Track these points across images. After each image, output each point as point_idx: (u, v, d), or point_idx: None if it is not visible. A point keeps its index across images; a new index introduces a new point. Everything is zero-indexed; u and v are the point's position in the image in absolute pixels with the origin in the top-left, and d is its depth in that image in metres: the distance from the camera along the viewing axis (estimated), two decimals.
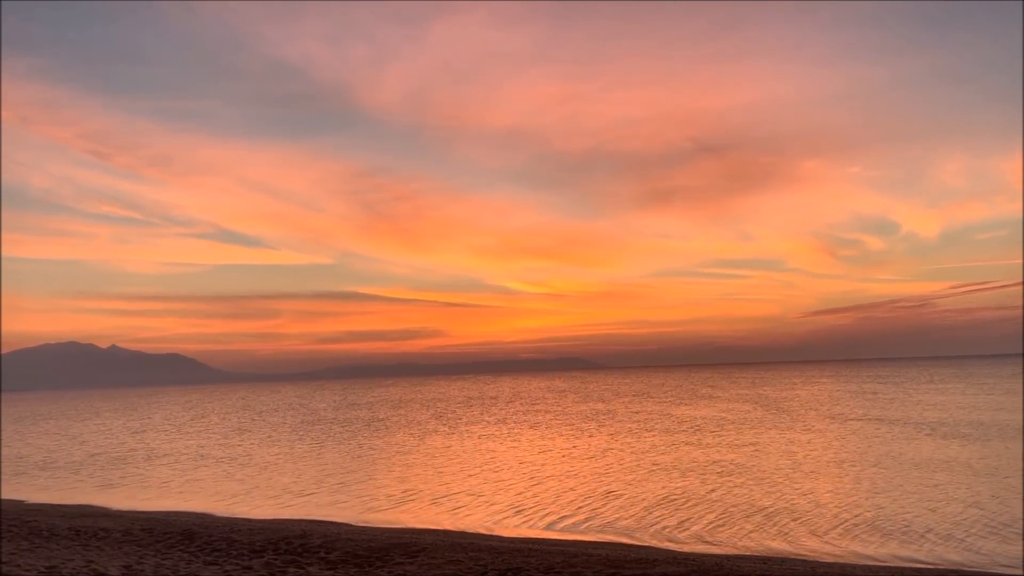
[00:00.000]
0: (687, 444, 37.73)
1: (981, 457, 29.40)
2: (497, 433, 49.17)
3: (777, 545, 17.28)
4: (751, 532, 18.56)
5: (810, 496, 22.66)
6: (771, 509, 21.01)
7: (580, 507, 22.62)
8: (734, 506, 21.65)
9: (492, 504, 23.78)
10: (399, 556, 15.03)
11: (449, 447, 41.29)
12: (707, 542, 17.80)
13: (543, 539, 18.49)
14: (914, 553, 16.31)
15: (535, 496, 24.86)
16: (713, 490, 24.34)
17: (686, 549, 17.08)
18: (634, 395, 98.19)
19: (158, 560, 14.69)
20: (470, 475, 30.27)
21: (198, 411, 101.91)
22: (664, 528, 19.42)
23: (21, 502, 26.95)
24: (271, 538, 17.24)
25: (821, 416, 51.64)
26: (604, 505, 22.73)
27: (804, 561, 15.57)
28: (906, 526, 18.56)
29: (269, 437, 52.71)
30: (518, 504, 23.56)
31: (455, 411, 76.82)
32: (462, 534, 19.14)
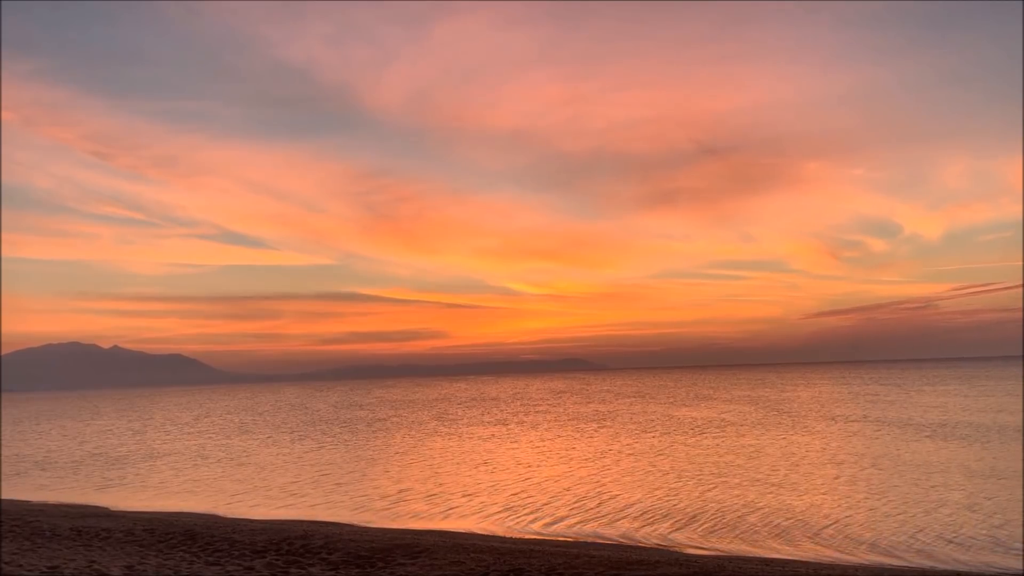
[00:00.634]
0: (687, 445, 37.74)
1: (980, 459, 29.40)
2: (496, 434, 49.21)
3: (777, 546, 17.30)
4: (751, 533, 18.58)
5: (810, 497, 22.66)
6: (771, 510, 21.03)
7: (574, 508, 22.63)
8: (733, 507, 21.66)
9: (485, 504, 23.86)
10: (401, 557, 15.07)
11: (447, 448, 41.33)
12: (707, 543, 17.82)
13: (545, 540, 18.52)
14: (913, 554, 16.33)
15: (530, 496, 24.91)
16: (713, 491, 24.35)
17: (687, 550, 17.10)
18: (635, 396, 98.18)
19: (160, 560, 14.73)
20: (466, 476, 30.33)
21: (199, 411, 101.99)
22: (664, 529, 19.42)
23: (23, 502, 27.01)
24: (273, 539, 17.28)
25: (821, 417, 51.63)
26: (600, 506, 22.74)
27: (805, 562, 15.59)
28: (905, 527, 18.56)
29: (269, 438, 52.78)
30: (511, 504, 23.64)
31: (455, 412, 76.85)
32: (464, 535, 19.17)
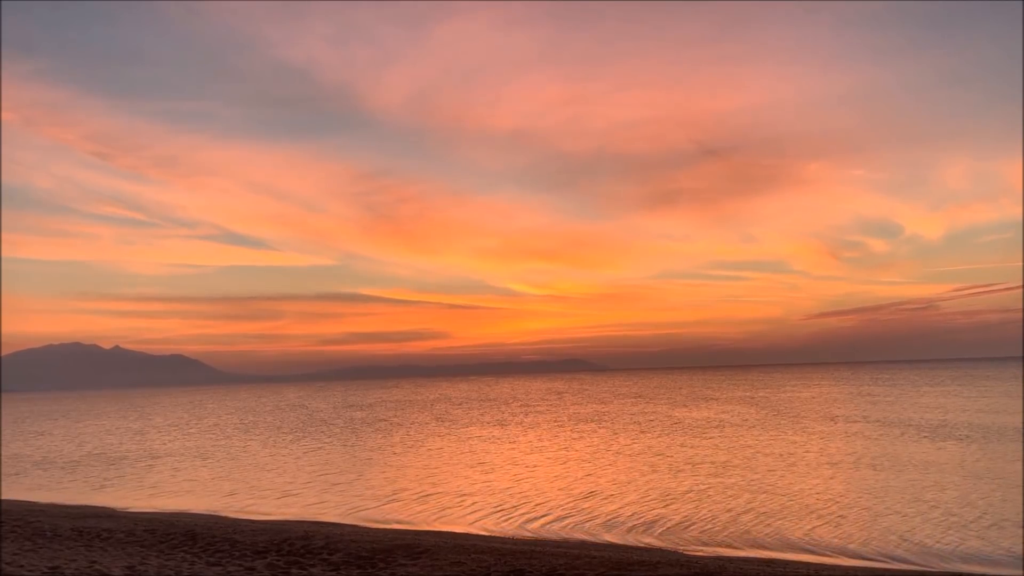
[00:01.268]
0: (686, 446, 37.73)
1: (978, 459, 29.44)
2: (494, 434, 49.23)
3: (776, 546, 17.30)
4: (751, 534, 18.58)
5: (809, 498, 22.66)
6: (769, 510, 21.03)
7: (570, 509, 22.66)
8: (733, 508, 21.66)
9: (476, 504, 23.91)
10: (402, 557, 15.08)
11: (445, 448, 41.36)
12: (707, 544, 17.83)
13: (546, 540, 18.54)
14: (912, 554, 16.35)
15: (524, 497, 24.95)
16: (712, 491, 24.35)
17: (688, 551, 17.10)
18: (635, 397, 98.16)
19: (161, 561, 14.74)
20: (461, 476, 30.38)
21: (199, 412, 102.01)
22: (664, 529, 19.44)
23: (24, 502, 27.03)
24: (274, 539, 17.29)
25: (821, 418, 51.63)
26: (598, 507, 22.73)
27: (806, 563, 15.60)
28: (903, 528, 18.56)
29: (268, 438, 52.80)
30: (503, 505, 23.68)
31: (455, 412, 76.86)
32: (465, 535, 19.19)
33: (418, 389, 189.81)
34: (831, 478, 26.26)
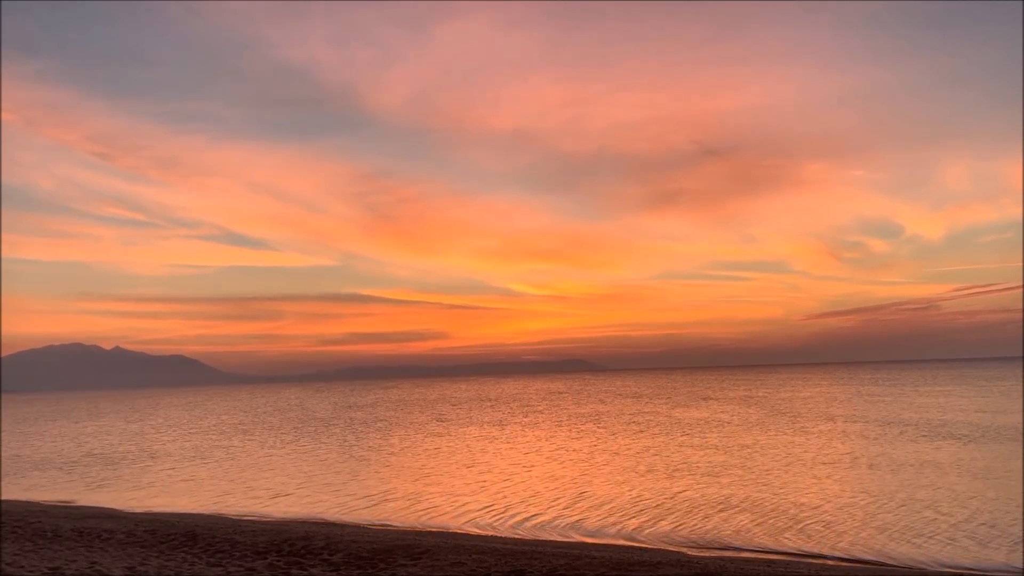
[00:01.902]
0: (685, 446, 37.72)
1: (976, 459, 29.46)
2: (492, 435, 49.25)
3: (776, 547, 17.31)
4: (750, 534, 18.59)
5: (809, 497, 22.66)
6: (769, 510, 21.04)
7: (561, 509, 22.68)
8: (732, 507, 21.68)
9: (466, 505, 23.92)
10: (402, 558, 15.08)
11: (442, 448, 41.39)
12: (707, 544, 17.84)
13: (546, 541, 18.54)
14: (912, 553, 16.37)
15: (516, 496, 25.01)
16: (711, 491, 24.35)
17: (688, 551, 17.11)
18: (634, 397, 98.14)
19: (161, 561, 14.74)
20: (455, 476, 30.44)
21: (200, 412, 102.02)
22: (663, 529, 19.44)
23: (25, 503, 27.03)
24: (274, 539, 17.29)
25: (820, 418, 51.62)
26: (591, 507, 22.73)
27: (807, 563, 15.61)
28: (903, 527, 18.59)
29: (267, 438, 52.80)
30: (492, 504, 23.73)
31: (454, 413, 76.85)
32: (465, 536, 19.20)
33: (418, 389, 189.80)
34: (829, 478, 26.26)
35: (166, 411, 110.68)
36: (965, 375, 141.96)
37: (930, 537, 17.66)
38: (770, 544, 17.63)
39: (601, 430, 49.21)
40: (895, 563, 15.81)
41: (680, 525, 19.90)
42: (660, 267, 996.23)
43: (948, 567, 15.36)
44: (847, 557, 16.36)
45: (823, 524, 19.29)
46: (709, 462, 31.34)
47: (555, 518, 21.45)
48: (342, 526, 20.95)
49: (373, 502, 25.13)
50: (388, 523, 21.61)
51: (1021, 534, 17.50)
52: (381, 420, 68.91)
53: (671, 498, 23.62)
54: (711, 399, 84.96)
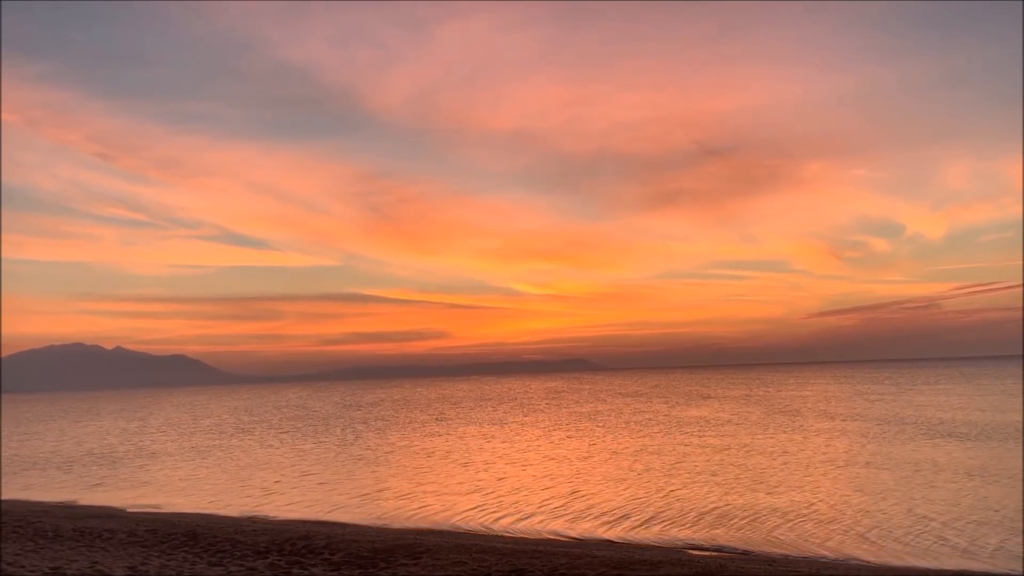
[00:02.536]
0: (685, 445, 37.74)
1: (974, 457, 29.47)
2: (491, 433, 49.30)
3: (776, 546, 17.33)
4: (750, 533, 18.61)
5: (807, 496, 22.68)
6: (768, 510, 21.04)
7: (555, 508, 22.70)
8: (731, 507, 21.68)
9: (457, 504, 23.96)
10: (403, 557, 15.10)
11: (440, 447, 41.44)
12: (707, 543, 17.85)
13: (547, 540, 18.56)
14: (909, 553, 16.38)
15: (509, 494, 25.07)
16: (710, 491, 24.35)
17: (689, 551, 17.14)
18: (635, 396, 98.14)
19: (162, 561, 14.76)
20: (451, 474, 30.47)
21: (199, 412, 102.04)
22: (663, 529, 19.44)
23: (26, 502, 27.06)
24: (275, 539, 17.32)
25: (820, 417, 51.62)
26: (587, 506, 22.74)
27: (808, 562, 15.63)
28: (903, 526, 18.59)
29: (266, 438, 52.84)
30: (484, 504, 23.77)
31: (454, 412, 76.86)
32: (466, 535, 19.22)
33: (418, 389, 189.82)
34: (827, 476, 26.28)
35: (167, 411, 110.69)
36: (965, 374, 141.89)
37: (926, 536, 17.67)
38: (770, 543, 17.65)
39: (600, 429, 49.23)
40: (893, 562, 15.83)
41: (680, 524, 19.91)
42: (661, 267, 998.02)
43: (945, 566, 15.37)
44: (846, 556, 16.39)
45: (822, 523, 19.31)
46: (708, 461, 31.36)
47: (551, 517, 21.45)
48: (343, 525, 20.97)
49: (364, 501, 25.25)
50: (386, 522, 21.63)
51: (1020, 534, 17.50)
52: (381, 420, 68.93)
53: (670, 497, 23.63)
54: (711, 398, 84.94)
